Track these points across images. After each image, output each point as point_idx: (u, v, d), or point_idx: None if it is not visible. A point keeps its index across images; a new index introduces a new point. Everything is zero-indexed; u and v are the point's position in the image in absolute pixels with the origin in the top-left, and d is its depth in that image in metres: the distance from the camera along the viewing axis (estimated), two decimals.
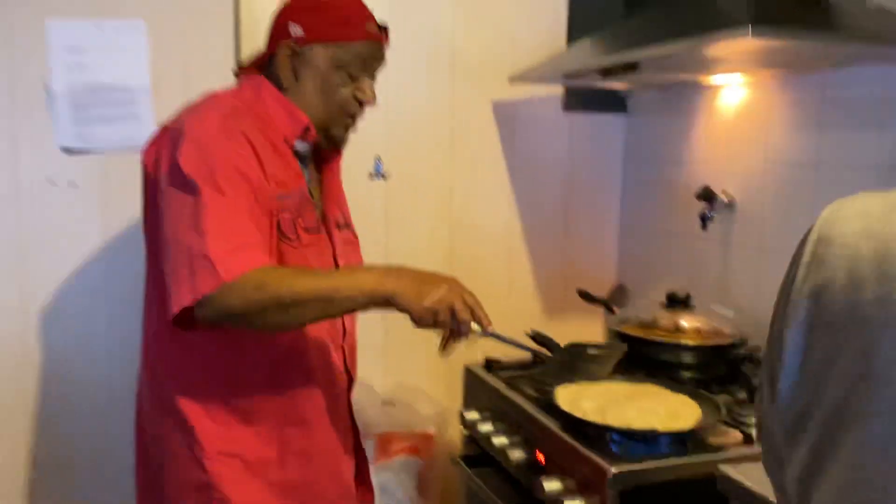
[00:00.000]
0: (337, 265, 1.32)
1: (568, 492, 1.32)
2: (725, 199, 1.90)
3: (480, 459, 1.70)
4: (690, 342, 1.64)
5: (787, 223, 1.76)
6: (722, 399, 1.58)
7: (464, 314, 1.15)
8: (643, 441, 1.30)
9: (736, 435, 1.35)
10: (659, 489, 1.26)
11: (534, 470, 1.44)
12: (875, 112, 1.54)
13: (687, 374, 1.63)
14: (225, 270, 1.07)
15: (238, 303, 1.08)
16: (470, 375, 1.75)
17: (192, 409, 1.21)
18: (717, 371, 1.64)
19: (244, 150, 1.16)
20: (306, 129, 1.27)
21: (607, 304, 1.91)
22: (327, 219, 1.35)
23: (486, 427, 1.62)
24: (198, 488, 1.22)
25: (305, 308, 1.12)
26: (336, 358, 1.32)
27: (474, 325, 1.18)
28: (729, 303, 1.88)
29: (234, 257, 1.09)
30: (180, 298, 1.09)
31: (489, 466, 1.65)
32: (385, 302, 1.13)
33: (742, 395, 1.61)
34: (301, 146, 1.29)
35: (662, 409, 1.38)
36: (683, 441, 1.30)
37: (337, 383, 1.33)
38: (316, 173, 1.37)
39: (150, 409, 1.30)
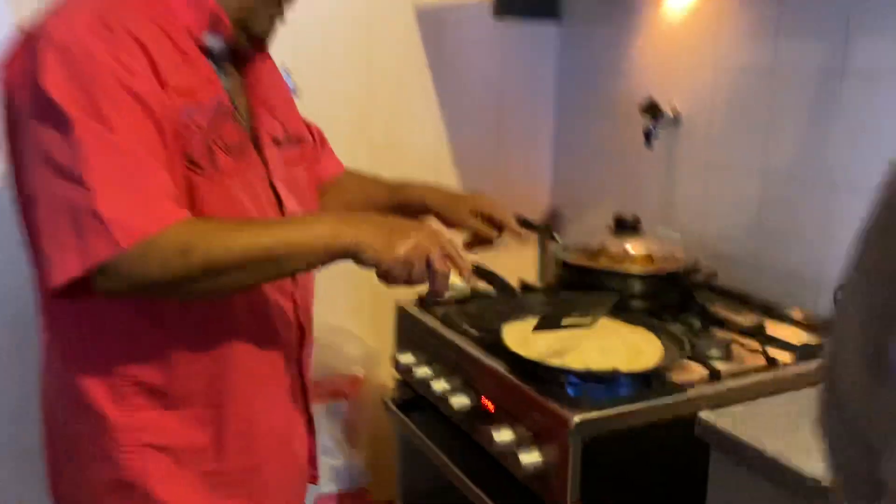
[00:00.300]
0: (277, 196, 1.06)
1: (522, 443, 1.18)
2: (671, 113, 1.76)
3: (416, 404, 1.55)
4: (641, 270, 1.51)
5: (737, 137, 1.63)
6: (677, 329, 1.47)
7: (441, 264, 0.97)
8: (604, 384, 1.17)
9: (700, 371, 1.23)
10: (624, 436, 1.13)
11: (480, 418, 1.29)
12: (840, 14, 1.41)
13: (637, 305, 1.51)
14: (125, 232, 0.84)
15: (156, 271, 0.86)
16: (402, 314, 1.57)
17: (98, 394, 0.97)
18: (669, 299, 1.52)
19: (130, 55, 0.88)
20: (217, 20, 0.98)
21: (549, 232, 1.76)
22: (258, 134, 1.06)
23: (422, 371, 1.46)
24: (116, 488, 0.99)
25: (244, 272, 0.91)
26: (285, 309, 1.08)
27: (454, 278, 1.01)
28: (675, 225, 1.76)
29: (139, 213, 0.85)
30: (66, 267, 0.85)
31: (426, 411, 1.50)
32: (346, 255, 0.94)
33: (696, 323, 1.50)
34: (213, 42, 0.99)
35: (623, 347, 1.24)
36: (648, 381, 1.17)
37: (285, 343, 1.08)
38: (239, 76, 1.07)
39: (51, 398, 1.05)
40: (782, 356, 1.32)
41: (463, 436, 1.36)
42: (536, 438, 1.16)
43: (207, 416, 1.01)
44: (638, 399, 1.15)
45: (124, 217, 0.84)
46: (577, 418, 1.09)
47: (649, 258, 1.55)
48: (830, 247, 1.46)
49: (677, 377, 1.21)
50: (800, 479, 0.87)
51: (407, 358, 1.51)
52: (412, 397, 1.55)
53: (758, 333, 1.42)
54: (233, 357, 1.02)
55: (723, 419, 0.99)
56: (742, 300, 1.57)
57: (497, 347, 1.27)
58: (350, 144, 1.89)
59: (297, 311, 1.10)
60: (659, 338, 1.29)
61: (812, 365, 1.29)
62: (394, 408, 1.57)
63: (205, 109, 0.95)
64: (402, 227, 0.98)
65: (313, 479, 1.23)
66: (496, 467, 1.23)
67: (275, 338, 1.07)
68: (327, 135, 1.36)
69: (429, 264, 0.97)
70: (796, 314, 1.49)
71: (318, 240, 0.94)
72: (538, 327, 1.21)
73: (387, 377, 1.76)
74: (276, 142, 1.09)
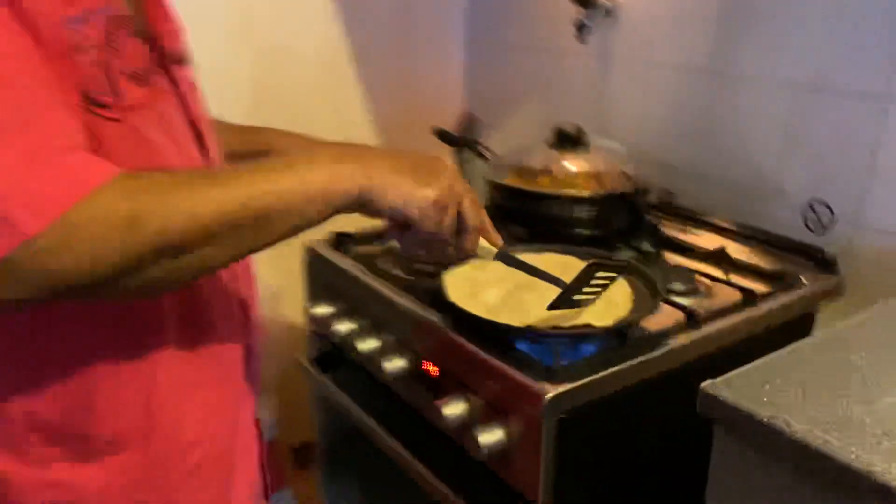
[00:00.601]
0: (200, 136, 0.79)
1: (478, 418, 0.99)
2: (607, 2, 1.53)
3: (336, 360, 1.33)
4: (589, 193, 1.31)
5: (684, 31, 1.43)
6: (628, 255, 1.30)
7: (475, 217, 0.79)
8: (578, 344, 0.98)
9: (676, 315, 1.06)
10: (605, 405, 0.95)
11: (424, 385, 1.09)
12: None
13: (583, 232, 1.31)
14: (32, 209, 0.55)
15: (85, 263, 0.58)
16: (313, 256, 1.32)
17: None
18: (618, 224, 1.34)
19: None
20: None
21: (474, 146, 1.52)
22: (162, 49, 0.76)
23: (344, 326, 1.22)
24: None
25: (215, 244, 0.64)
26: (227, 294, 0.81)
27: (484, 242, 0.83)
28: (612, 134, 1.56)
29: (50, 177, 0.56)
30: None
31: (350, 369, 1.28)
32: (354, 205, 0.72)
33: (647, 247, 1.33)
34: None
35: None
36: (623, 336, 0.98)
37: (227, 340, 0.82)
38: None
39: None
40: (755, 285, 1.17)
41: (402, 404, 1.15)
42: (497, 413, 0.97)
43: (137, 464, 0.74)
44: (617, 359, 0.96)
45: (26, 185, 0.55)
46: (550, 390, 0.90)
47: (595, 177, 1.35)
48: (792, 156, 1.31)
49: (652, 325, 1.03)
50: (841, 468, 0.71)
51: (322, 309, 1.27)
52: (331, 351, 1.33)
53: (720, 259, 1.26)
54: (161, 368, 0.75)
55: (730, 390, 0.82)
56: (694, 220, 1.41)
57: (440, 302, 1.05)
58: (231, 46, 1.57)
59: (241, 294, 0.85)
60: (623, 277, 1.10)
61: (791, 295, 1.15)
62: (308, 366, 1.34)
63: (93, 17, 0.65)
64: (426, 162, 0.76)
65: (267, 489, 0.98)
66: (445, 438, 1.04)
67: (214, 336, 0.80)
68: (204, 38, 1.05)
69: (460, 218, 0.77)
70: (756, 233, 1.34)
71: (311, 186, 0.68)
72: (553, 307, 0.98)
73: (298, 332, 1.51)
74: (181, 59, 0.80)
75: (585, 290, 0.97)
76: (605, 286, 0.99)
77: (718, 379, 0.85)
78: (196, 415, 0.79)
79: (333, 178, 0.70)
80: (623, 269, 1.04)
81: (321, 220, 0.71)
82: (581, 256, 1.12)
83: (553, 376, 0.91)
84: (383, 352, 1.13)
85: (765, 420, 0.77)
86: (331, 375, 1.31)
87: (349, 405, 1.24)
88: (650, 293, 1.05)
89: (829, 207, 1.25)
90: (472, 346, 0.99)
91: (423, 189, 0.74)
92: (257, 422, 0.93)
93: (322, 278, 1.30)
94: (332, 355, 1.32)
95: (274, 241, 0.69)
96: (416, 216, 0.75)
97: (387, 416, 1.20)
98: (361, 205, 0.72)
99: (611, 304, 1.01)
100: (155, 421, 0.75)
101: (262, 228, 0.67)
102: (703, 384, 0.84)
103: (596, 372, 0.93)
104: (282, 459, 1.82)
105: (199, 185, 0.64)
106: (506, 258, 0.87)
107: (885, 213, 1.20)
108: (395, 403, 1.16)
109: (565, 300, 0.95)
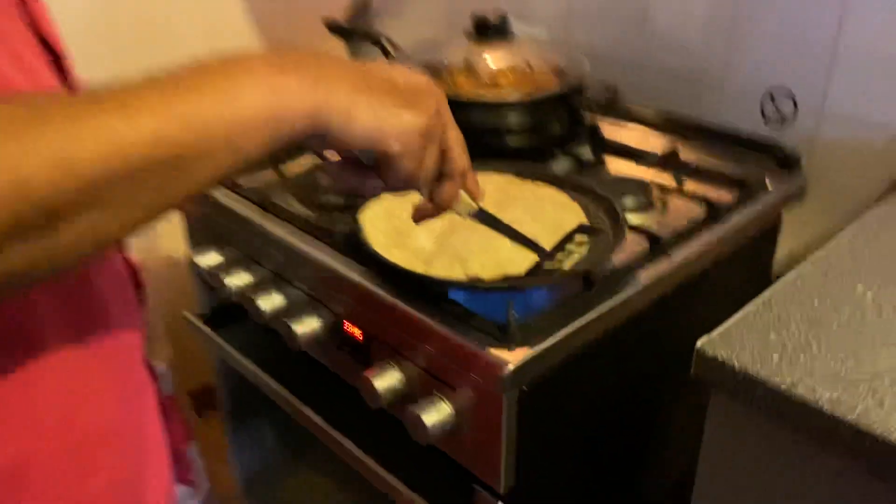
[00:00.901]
0: (57, 59, 0.56)
1: (418, 393, 0.81)
2: None
3: (232, 314, 1.11)
4: (521, 96, 1.10)
5: None
6: (566, 165, 1.12)
7: (462, 158, 0.59)
8: (535, 294, 0.80)
9: (637, 242, 0.89)
10: (571, 365, 0.79)
11: (347, 350, 0.90)
12: None
13: (514, 141, 1.12)
14: None
15: None
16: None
17: None
18: (554, 130, 1.15)
19: None
20: None
21: (377, 42, 1.27)
22: None
23: (238, 279, 1.00)
24: None
25: (114, 204, 0.42)
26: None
27: (465, 197, 0.63)
28: (531, 19, 1.35)
29: None
30: None
31: (249, 324, 1.07)
32: (311, 135, 0.49)
33: (587, 154, 1.15)
34: None
35: (535, 225, 0.86)
36: (589, 280, 0.81)
37: (118, 320, 0.60)
38: None
39: None
40: (716, 194, 1.01)
41: (321, 370, 0.96)
42: (442, 385, 0.79)
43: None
44: (581, 308, 0.79)
45: None
46: (510, 360, 0.72)
47: (524, 75, 1.14)
48: (744, 40, 1.14)
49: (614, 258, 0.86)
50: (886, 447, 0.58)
51: (210, 259, 1.04)
52: (226, 305, 1.11)
53: (672, 163, 1.10)
54: (45, 384, 0.53)
55: (732, 348, 0.66)
56: (637, 119, 1.23)
57: (358, 248, 0.85)
58: None
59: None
60: (572, 198, 0.92)
61: (758, 204, 1.00)
62: (199, 324, 1.12)
63: None
64: (404, 77, 0.55)
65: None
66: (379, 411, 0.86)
67: (109, 327, 0.59)
68: None
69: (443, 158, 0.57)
70: (705, 130, 1.18)
71: (246, 110, 0.46)
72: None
73: (183, 281, 1.28)
74: None
75: (559, 255, 0.79)
76: (579, 245, 0.81)
77: (715, 333, 0.69)
78: (97, 432, 0.58)
79: (277, 96, 0.47)
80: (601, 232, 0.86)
81: (256, 160, 0.48)
82: (525, 176, 0.94)
83: (510, 339, 0.74)
84: (291, 311, 0.93)
85: (783, 389, 0.63)
86: (228, 333, 1.10)
87: (256, 373, 1.04)
88: (609, 219, 0.88)
89: (792, 97, 1.09)
90: (404, 306, 0.80)
91: (407, 113, 0.52)
92: (165, 402, 0.73)
93: (205, 220, 1.07)
94: (228, 309, 1.10)
95: (189, 196, 0.46)
96: (396, 151, 0.52)
97: (303, 384, 1.01)
98: (317, 135, 0.49)
99: (561, 232, 0.84)
100: (47, 445, 0.54)
101: (175, 179, 0.44)
102: (700, 342, 0.68)
103: (559, 328, 0.76)
104: (183, 416, 1.61)
105: (75, 115, 0.40)
106: (485, 217, 0.67)
107: (849, 99, 1.06)
108: (312, 366, 0.96)
109: (540, 268, 0.77)
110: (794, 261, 1.11)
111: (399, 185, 0.56)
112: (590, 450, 0.92)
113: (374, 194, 0.58)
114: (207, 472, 1.46)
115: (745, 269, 1.05)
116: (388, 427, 0.85)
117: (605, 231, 0.84)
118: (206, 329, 1.10)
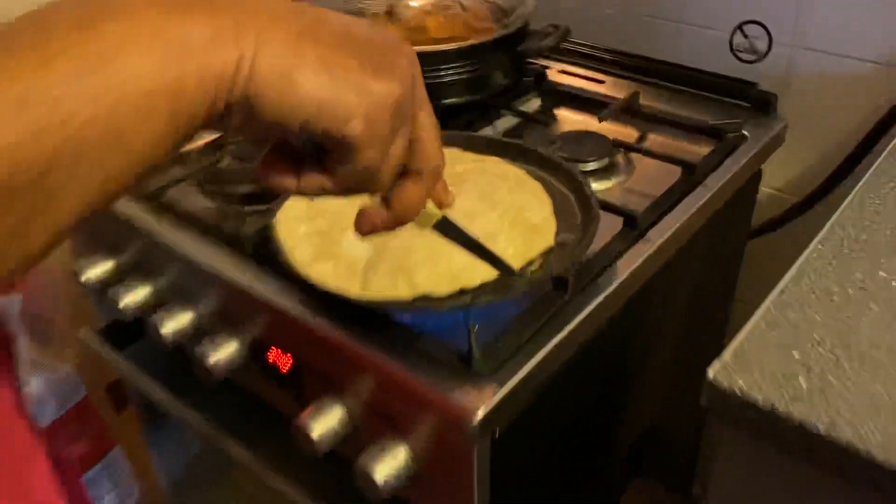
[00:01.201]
0: None
1: (367, 441, 0.66)
2: None
3: (134, 331, 0.94)
4: (458, 44, 0.93)
5: None
6: (513, 122, 0.97)
7: (436, 153, 0.41)
8: (497, 309, 0.66)
9: (607, 221, 0.75)
10: (549, 390, 0.66)
11: (275, 382, 0.74)
12: None
13: (450, 99, 0.95)
14: None
15: None
16: None
17: None
18: (496, 81, 0.98)
19: None
20: None
21: None
22: None
23: (133, 295, 0.83)
24: None
25: None
26: None
27: (430, 205, 0.46)
28: None
29: None
30: None
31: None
32: (235, 112, 0.32)
33: (535, 107, 1.00)
34: None
35: (493, 214, 0.70)
36: (565, 284, 0.67)
37: None
38: None
39: None
40: (688, 147, 0.88)
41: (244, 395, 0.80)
42: (394, 426, 0.65)
43: None
44: (557, 321, 0.65)
45: None
46: (480, 405, 0.58)
47: (458, 17, 0.97)
48: None
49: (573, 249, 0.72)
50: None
51: (97, 270, 0.86)
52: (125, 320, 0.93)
53: (633, 111, 0.95)
54: None
55: (751, 376, 0.54)
56: (587, 62, 1.07)
57: (274, 259, 0.69)
58: None
59: None
60: (532, 175, 0.77)
61: (738, 157, 0.87)
62: (95, 344, 0.94)
63: None
64: (363, 30, 0.37)
65: None
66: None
67: None
68: None
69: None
70: (669, 71, 1.03)
71: (129, 87, 0.29)
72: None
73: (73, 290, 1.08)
74: None
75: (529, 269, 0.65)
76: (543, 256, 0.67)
77: (727, 354, 0.57)
78: None
79: (177, 55, 0.30)
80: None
81: (163, 155, 0.32)
82: (473, 149, 0.78)
83: (476, 372, 0.59)
84: (200, 334, 0.76)
85: (821, 432, 0.51)
86: (131, 353, 0.93)
87: (164, 399, 0.87)
88: (578, 201, 0.73)
89: (764, 27, 0.95)
90: (338, 334, 0.65)
91: (375, 80, 0.35)
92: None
93: (89, 226, 0.87)
94: (128, 326, 0.92)
95: (75, 216, 0.30)
96: (355, 134, 0.35)
97: (224, 409, 0.85)
98: (244, 111, 0.33)
99: (535, 230, 0.69)
100: None
101: (48, 195, 0.29)
102: (712, 372, 0.55)
103: (534, 349, 0.62)
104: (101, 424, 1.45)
105: None
106: (447, 228, 0.50)
107: (823, 31, 0.93)
108: (236, 389, 0.81)
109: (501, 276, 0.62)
110: (773, 207, 1.00)
111: (352, 183, 0.39)
112: (574, 469, 0.80)
113: (316, 196, 0.40)
114: (137, 470, 1.32)
115: (724, 230, 0.93)
116: (332, 458, 0.71)
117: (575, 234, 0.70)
118: (104, 349, 0.93)
